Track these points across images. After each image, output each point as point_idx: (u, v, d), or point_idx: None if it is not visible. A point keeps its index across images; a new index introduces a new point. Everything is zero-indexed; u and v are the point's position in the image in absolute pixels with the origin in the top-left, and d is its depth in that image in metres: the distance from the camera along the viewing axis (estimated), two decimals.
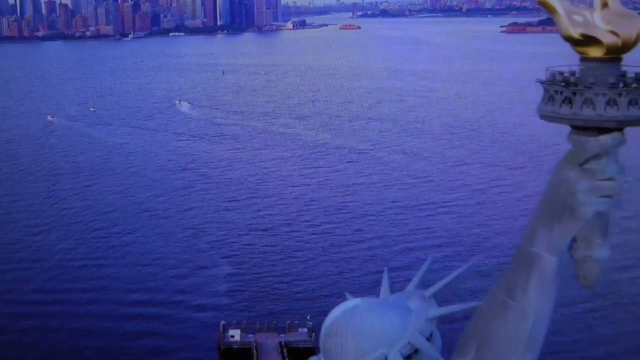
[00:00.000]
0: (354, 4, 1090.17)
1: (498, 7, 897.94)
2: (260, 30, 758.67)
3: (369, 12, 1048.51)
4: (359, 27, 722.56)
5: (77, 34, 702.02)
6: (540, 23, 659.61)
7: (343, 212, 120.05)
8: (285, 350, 74.45)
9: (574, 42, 6.84)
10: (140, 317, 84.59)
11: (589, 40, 6.77)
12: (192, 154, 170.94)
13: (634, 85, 6.87)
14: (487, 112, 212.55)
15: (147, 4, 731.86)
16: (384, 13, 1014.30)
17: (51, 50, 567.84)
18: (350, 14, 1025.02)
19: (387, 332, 6.78)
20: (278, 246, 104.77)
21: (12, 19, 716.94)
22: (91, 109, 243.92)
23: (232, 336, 76.91)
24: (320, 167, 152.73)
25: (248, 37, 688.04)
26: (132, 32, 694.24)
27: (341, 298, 8.24)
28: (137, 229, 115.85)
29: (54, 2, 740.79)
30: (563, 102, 7.05)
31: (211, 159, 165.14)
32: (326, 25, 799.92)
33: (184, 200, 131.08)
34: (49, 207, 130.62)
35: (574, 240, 6.71)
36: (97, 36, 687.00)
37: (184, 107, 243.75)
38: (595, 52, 6.92)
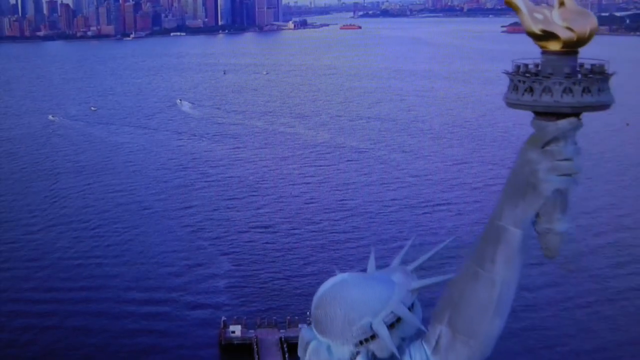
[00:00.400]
0: (355, 3, 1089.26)
1: (499, 7, 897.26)
2: (261, 30, 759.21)
3: (370, 12, 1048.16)
4: (360, 27, 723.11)
5: (78, 34, 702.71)
6: None
7: (342, 209, 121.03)
8: (285, 346, 75.41)
9: (535, 37, 7.59)
10: (141, 315, 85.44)
11: (548, 36, 7.48)
12: (193, 153, 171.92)
13: (589, 75, 7.63)
14: (486, 112, 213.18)
15: (148, 3, 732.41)
16: (385, 13, 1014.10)
17: (52, 50, 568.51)
18: (352, 13, 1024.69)
19: (372, 303, 7.45)
20: (278, 243, 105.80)
21: (14, 18, 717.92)
22: (92, 108, 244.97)
23: (233, 332, 77.97)
24: (321, 166, 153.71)
25: (249, 36, 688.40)
26: (133, 32, 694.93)
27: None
28: (138, 227, 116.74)
29: (56, 2, 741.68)
30: (525, 90, 7.75)
31: (212, 158, 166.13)
32: (327, 25, 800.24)
33: (185, 199, 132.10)
34: (49, 205, 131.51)
35: (537, 215, 7.39)
36: (99, 36, 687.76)
37: (185, 106, 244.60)
38: (553, 46, 7.64)
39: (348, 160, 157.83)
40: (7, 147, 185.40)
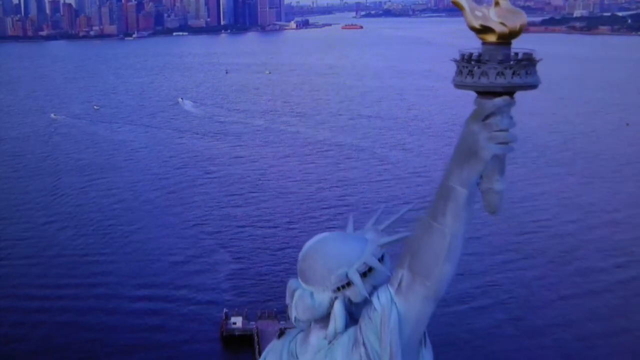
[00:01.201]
0: (357, 3, 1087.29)
1: None
2: (263, 29, 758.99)
3: (373, 12, 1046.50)
4: (361, 27, 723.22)
5: (80, 34, 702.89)
6: (543, 23, 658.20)
7: (341, 205, 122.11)
8: None
9: (476, 31, 9.14)
10: (143, 308, 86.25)
11: (486, 30, 8.98)
12: (195, 151, 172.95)
13: (520, 62, 9.31)
14: None
15: (150, 3, 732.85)
16: (388, 13, 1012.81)
17: (55, 49, 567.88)
18: (354, 13, 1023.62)
19: (348, 255, 8.67)
20: (278, 237, 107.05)
21: (16, 18, 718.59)
22: (95, 107, 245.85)
23: (234, 323, 79.35)
24: (321, 164, 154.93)
25: (251, 36, 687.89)
26: (135, 32, 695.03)
27: None
28: (139, 223, 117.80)
29: (58, 1, 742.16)
30: (467, 74, 9.31)
31: (213, 156, 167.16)
32: (329, 24, 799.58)
33: (187, 195, 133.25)
34: (51, 201, 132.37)
35: (480, 177, 8.86)
36: (101, 36, 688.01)
37: (187, 105, 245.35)
38: (490, 38, 9.18)
39: (348, 158, 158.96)
40: (11, 145, 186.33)
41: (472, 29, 9.41)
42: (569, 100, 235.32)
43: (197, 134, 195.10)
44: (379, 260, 8.54)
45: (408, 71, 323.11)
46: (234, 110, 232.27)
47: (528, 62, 9.55)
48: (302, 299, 8.59)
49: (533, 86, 9.18)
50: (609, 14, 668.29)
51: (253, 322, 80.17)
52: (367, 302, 8.28)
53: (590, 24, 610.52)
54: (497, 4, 9.21)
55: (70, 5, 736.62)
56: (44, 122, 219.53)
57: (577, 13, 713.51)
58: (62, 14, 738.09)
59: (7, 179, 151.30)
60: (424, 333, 8.40)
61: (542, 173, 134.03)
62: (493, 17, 9.12)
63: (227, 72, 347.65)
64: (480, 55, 9.46)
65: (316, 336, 8.64)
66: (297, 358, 8.77)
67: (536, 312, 79.92)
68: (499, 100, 8.62)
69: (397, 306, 8.00)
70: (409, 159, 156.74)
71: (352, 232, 9.85)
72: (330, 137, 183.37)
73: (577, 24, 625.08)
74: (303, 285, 8.63)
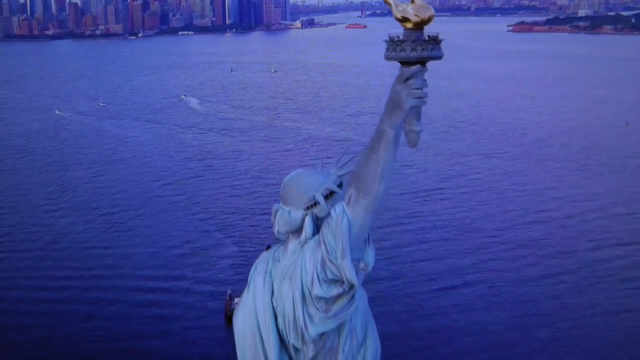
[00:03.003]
0: (363, 2, 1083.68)
1: (507, 7, 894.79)
2: (268, 29, 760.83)
3: (378, 11, 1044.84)
4: (365, 26, 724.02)
5: (86, 33, 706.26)
6: (548, 22, 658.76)
7: None
8: None
9: (399, 20, 12.92)
10: (148, 297, 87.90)
11: (405, 19, 12.81)
12: (199, 146, 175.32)
13: (429, 41, 13.29)
14: (485, 109, 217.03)
15: (156, 3, 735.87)
16: None
17: (61, 48, 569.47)
18: (359, 12, 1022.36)
19: (315, 183, 10.76)
20: None
21: (23, 17, 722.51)
22: (101, 104, 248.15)
23: (237, 304, 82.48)
24: (321, 158, 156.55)
25: (256, 35, 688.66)
26: (141, 31, 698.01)
27: None
28: (144, 213, 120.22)
29: (64, 0, 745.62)
30: (392, 50, 13.16)
31: (217, 150, 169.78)
32: (334, 24, 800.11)
33: (191, 188, 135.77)
34: (59, 194, 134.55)
35: (403, 122, 12.65)
36: (107, 35, 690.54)
37: (192, 102, 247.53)
38: (408, 25, 12.69)
39: (347, 153, 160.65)
40: (20, 141, 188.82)
41: (397, 19, 13.37)
42: (569, 99, 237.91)
43: (202, 130, 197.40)
44: (338, 186, 11.44)
45: None
46: (238, 107, 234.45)
47: (433, 41, 13.54)
48: (282, 216, 11.42)
49: (438, 57, 13.08)
50: (613, 13, 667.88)
51: None
52: (328, 216, 10.98)
53: (594, 24, 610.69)
54: (412, 1, 13.24)
55: (76, 4, 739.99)
56: (51, 118, 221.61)
57: (582, 12, 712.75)
58: (68, 13, 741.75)
59: (16, 173, 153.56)
60: (368, 235, 11.10)
61: (536, 166, 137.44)
62: (410, 11, 12.95)
63: (232, 71, 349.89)
64: (402, 37, 13.42)
65: (292, 243, 11.39)
66: (279, 261, 11.57)
67: (508, 291, 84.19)
68: (413, 68, 12.18)
69: (347, 215, 10.64)
70: (408, 154, 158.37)
71: (320, 169, 13.52)
72: (331, 132, 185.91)
73: (581, 24, 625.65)
74: (283, 206, 11.46)
